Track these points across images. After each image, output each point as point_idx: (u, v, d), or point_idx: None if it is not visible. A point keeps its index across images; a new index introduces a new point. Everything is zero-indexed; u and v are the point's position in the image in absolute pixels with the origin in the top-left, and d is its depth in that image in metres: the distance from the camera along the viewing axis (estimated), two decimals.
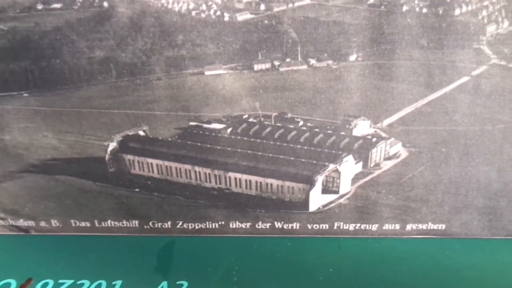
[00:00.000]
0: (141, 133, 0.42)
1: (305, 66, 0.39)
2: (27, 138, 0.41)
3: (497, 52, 0.39)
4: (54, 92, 0.40)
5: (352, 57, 0.39)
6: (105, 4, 0.37)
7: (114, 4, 0.37)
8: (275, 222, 0.45)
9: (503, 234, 0.45)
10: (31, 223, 0.45)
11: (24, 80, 0.39)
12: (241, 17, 0.38)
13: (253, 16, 0.38)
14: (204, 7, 0.37)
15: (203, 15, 0.37)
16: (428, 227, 0.45)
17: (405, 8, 0.37)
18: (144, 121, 0.41)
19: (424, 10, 0.37)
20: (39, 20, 0.37)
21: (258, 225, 0.45)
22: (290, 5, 0.37)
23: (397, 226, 0.45)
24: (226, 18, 0.37)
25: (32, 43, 0.38)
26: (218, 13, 0.37)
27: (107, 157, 0.43)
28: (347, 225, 0.45)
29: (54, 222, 0.45)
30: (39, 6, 0.37)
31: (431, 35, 0.38)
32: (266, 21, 0.38)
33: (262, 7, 0.37)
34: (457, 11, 0.37)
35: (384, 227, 0.45)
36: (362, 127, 0.42)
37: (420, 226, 0.45)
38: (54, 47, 0.38)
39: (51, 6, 0.37)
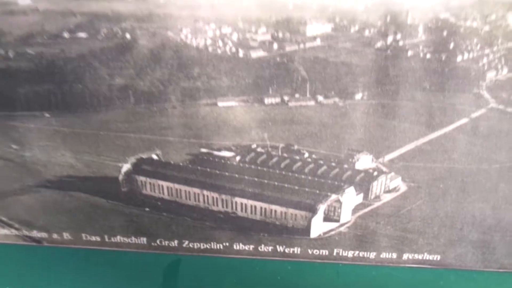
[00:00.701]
0: (154, 156, 0.43)
1: (313, 102, 0.41)
2: (46, 155, 0.43)
3: (496, 97, 0.40)
4: (74, 114, 0.41)
5: (358, 96, 0.40)
6: (128, 36, 0.38)
7: (136, 36, 0.38)
8: (277, 246, 0.46)
9: (496, 267, 0.46)
10: (44, 234, 0.47)
11: (47, 102, 0.41)
12: (254, 54, 0.39)
13: (266, 54, 0.39)
14: (220, 43, 0.39)
15: (219, 51, 0.39)
16: (424, 257, 0.46)
17: (410, 53, 0.39)
18: (157, 146, 0.42)
19: (428, 56, 0.39)
20: (64, 47, 0.39)
21: (261, 248, 0.46)
22: (301, 46, 0.39)
23: (394, 255, 0.46)
24: (241, 55, 0.39)
25: (56, 68, 0.40)
26: (233, 49, 0.39)
27: (120, 177, 0.44)
28: (346, 252, 0.46)
29: (66, 235, 0.46)
30: (66, 35, 0.39)
31: (434, 78, 0.39)
32: (278, 59, 0.39)
33: (275, 46, 0.39)
34: (459, 58, 0.39)
35: (381, 255, 0.46)
36: (364, 161, 0.43)
37: (416, 256, 0.46)
38: (77, 73, 0.40)
39: (77, 35, 0.39)
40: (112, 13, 0.38)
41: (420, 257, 0.46)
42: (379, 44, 0.39)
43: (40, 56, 0.40)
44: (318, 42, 0.39)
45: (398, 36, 0.39)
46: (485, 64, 0.40)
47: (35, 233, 0.47)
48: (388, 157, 0.43)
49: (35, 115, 0.42)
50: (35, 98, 0.41)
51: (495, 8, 0.38)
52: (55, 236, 0.47)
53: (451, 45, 0.39)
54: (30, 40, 0.39)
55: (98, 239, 0.46)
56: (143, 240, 0.46)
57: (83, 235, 0.46)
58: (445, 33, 0.38)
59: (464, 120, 0.41)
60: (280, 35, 0.39)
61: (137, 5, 0.38)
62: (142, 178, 0.45)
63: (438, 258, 0.46)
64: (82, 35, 0.39)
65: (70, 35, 0.39)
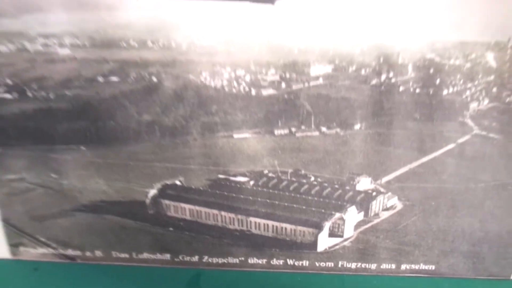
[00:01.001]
0: (178, 182, 0.47)
1: (317, 133, 0.45)
2: (81, 183, 0.47)
3: (479, 124, 0.45)
4: (107, 147, 0.46)
5: (357, 126, 0.45)
6: (154, 79, 0.43)
7: (161, 79, 0.43)
8: (288, 260, 0.49)
9: (486, 275, 0.49)
10: (78, 252, 0.50)
11: (83, 137, 0.45)
12: (265, 92, 0.44)
13: (275, 92, 0.44)
14: (235, 84, 0.43)
15: (234, 90, 0.44)
16: (420, 268, 0.49)
17: (401, 88, 0.43)
18: (181, 173, 0.46)
19: (417, 90, 0.43)
20: (99, 89, 0.44)
21: (273, 262, 0.50)
22: (306, 84, 0.43)
23: (393, 266, 0.49)
24: (253, 93, 0.44)
25: (91, 107, 0.44)
26: (247, 89, 0.44)
27: (147, 201, 0.48)
28: (350, 263, 0.49)
29: (98, 253, 0.50)
30: (100, 79, 0.44)
31: (423, 110, 0.44)
32: (286, 96, 0.44)
33: (283, 85, 0.44)
34: (444, 92, 0.44)
35: (381, 266, 0.49)
36: (364, 183, 0.47)
37: (413, 266, 0.49)
38: (109, 111, 0.44)
39: (109, 79, 0.43)
40: (141, 60, 0.43)
41: (416, 267, 0.49)
42: (374, 82, 0.43)
43: (77, 97, 0.44)
44: (320, 81, 0.44)
45: (391, 74, 0.43)
46: (468, 96, 0.44)
47: (70, 252, 0.50)
48: (385, 179, 0.47)
49: (72, 148, 0.46)
50: (72, 133, 0.45)
51: (474, 48, 0.42)
52: (88, 254, 0.50)
53: (438, 81, 0.43)
54: (69, 84, 0.44)
55: (127, 256, 0.50)
56: (167, 256, 0.50)
57: (113, 252, 0.50)
58: (431, 71, 0.43)
59: (451, 145, 0.45)
60: (288, 75, 0.43)
61: (162, 52, 0.42)
62: (167, 202, 0.48)
63: (433, 268, 0.49)
64: (114, 79, 0.44)
65: (103, 79, 0.44)
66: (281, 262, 0.50)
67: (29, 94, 0.44)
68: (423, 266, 0.49)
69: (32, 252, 0.50)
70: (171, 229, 0.49)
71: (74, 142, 0.46)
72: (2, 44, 0.43)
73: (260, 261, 0.50)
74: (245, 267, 0.50)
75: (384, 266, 0.49)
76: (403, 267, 0.49)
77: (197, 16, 0.41)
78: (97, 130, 0.45)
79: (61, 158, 0.46)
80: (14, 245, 0.50)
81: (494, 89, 0.43)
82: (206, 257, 0.50)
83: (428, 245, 0.48)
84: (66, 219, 0.49)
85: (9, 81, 0.44)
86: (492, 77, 0.43)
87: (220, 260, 0.50)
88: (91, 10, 0.41)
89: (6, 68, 0.43)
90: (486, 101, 0.44)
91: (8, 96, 0.44)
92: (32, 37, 0.42)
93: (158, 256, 0.50)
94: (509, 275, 0.49)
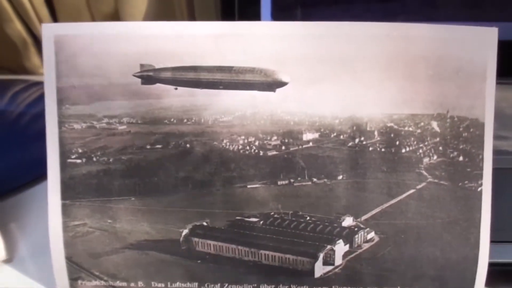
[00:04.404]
0: (204, 223, 0.54)
1: (309, 183, 0.53)
2: (130, 226, 0.54)
3: (432, 174, 0.52)
4: (151, 197, 0.54)
5: (339, 177, 0.52)
6: (188, 145, 0.55)
7: (193, 146, 0.55)
8: (291, 285, 0.54)
9: None
10: (124, 284, 0.54)
11: (133, 190, 0.53)
12: (270, 153, 0.53)
13: (277, 152, 0.53)
14: (247, 147, 0.54)
15: (247, 152, 0.53)
16: None
17: (371, 148, 0.52)
18: (207, 216, 0.54)
19: (383, 150, 0.52)
20: (147, 154, 0.54)
21: (279, 286, 0.54)
22: (300, 147, 0.53)
23: None
24: (261, 154, 0.53)
25: (141, 168, 0.55)
26: (256, 151, 0.53)
27: (181, 239, 0.54)
28: (341, 287, 0.53)
29: (140, 283, 0.54)
30: (148, 147, 0.55)
31: (388, 164, 0.52)
32: (285, 156, 0.53)
33: (283, 147, 0.53)
34: (403, 150, 0.52)
35: None
36: (348, 221, 0.53)
37: None
38: (154, 170, 0.55)
39: (155, 147, 0.55)
40: (178, 132, 0.55)
41: None
42: (350, 144, 0.52)
43: (130, 160, 0.53)
44: (310, 144, 0.52)
45: (362, 138, 0.52)
46: (421, 153, 0.52)
47: (118, 283, 0.54)
48: (364, 217, 0.53)
49: (125, 199, 0.53)
50: (125, 187, 0.53)
51: (422, 118, 0.54)
52: (132, 284, 0.54)
53: (397, 142, 0.52)
54: (124, 151, 0.53)
55: (163, 285, 0.54)
56: (195, 284, 0.54)
57: (152, 283, 0.54)
58: (392, 135, 0.52)
59: (412, 190, 0.52)
60: (286, 140, 0.53)
61: (194, 126, 0.56)
62: (196, 239, 0.54)
63: None
64: (158, 146, 0.53)
65: (150, 147, 0.53)
66: (286, 287, 0.53)
67: (94, 159, 0.53)
68: None
69: (88, 285, 0.54)
70: (199, 261, 0.54)
71: (126, 194, 0.53)
72: (77, 123, 0.56)
73: (269, 287, 0.54)
74: None
75: None
76: None
77: (219, 100, 0.55)
78: (144, 185, 0.53)
79: (116, 207, 0.53)
80: (73, 279, 0.54)
81: (440, 148, 0.52)
82: (226, 284, 0.54)
83: (402, 270, 0.52)
84: (117, 255, 0.53)
85: (80, 150, 0.56)
86: (437, 139, 0.52)
87: (238, 287, 0.54)
88: (143, 98, 0.56)
89: (78, 140, 0.56)
90: (435, 156, 0.52)
91: (78, 161, 0.56)
92: (99, 118, 0.56)
93: (188, 284, 0.54)
94: None
